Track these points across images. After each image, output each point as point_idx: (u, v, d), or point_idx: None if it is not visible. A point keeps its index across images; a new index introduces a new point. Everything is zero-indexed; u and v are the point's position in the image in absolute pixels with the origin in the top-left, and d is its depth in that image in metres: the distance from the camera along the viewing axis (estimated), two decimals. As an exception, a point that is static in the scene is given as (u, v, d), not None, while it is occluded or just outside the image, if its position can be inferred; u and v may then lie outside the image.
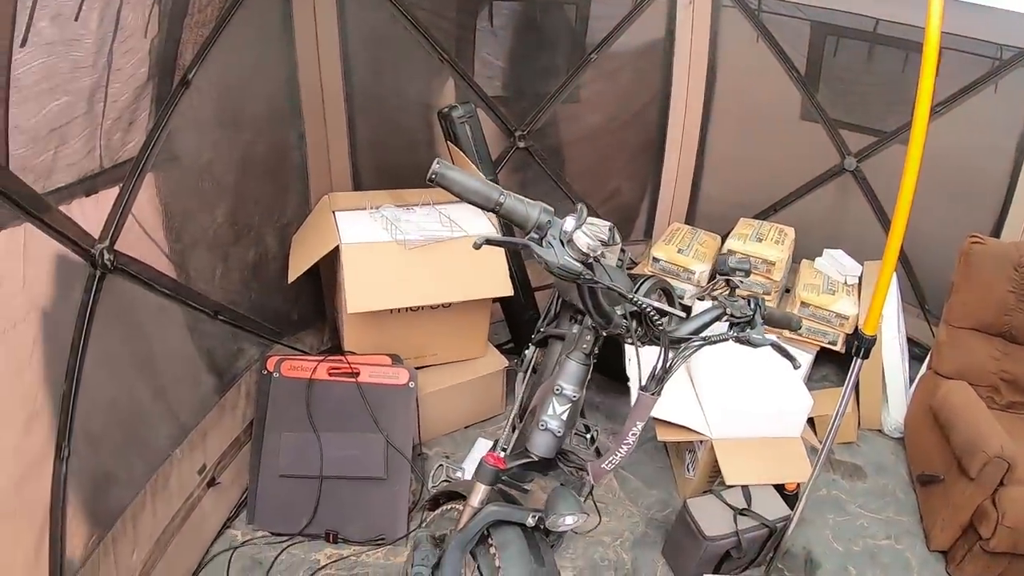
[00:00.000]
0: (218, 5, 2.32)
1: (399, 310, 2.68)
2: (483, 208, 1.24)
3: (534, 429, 1.55)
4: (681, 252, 3.52)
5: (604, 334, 1.53)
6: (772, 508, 2.41)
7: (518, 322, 3.28)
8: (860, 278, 3.46)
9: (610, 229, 2.85)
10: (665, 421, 2.56)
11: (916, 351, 3.53)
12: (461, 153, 2.90)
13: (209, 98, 2.33)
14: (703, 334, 1.53)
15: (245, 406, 2.68)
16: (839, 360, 3.40)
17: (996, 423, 2.44)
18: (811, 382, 3.41)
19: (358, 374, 2.64)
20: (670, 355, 1.45)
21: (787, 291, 3.56)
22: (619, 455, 1.48)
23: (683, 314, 1.49)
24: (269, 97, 2.76)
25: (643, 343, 1.47)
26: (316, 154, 3.05)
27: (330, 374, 2.64)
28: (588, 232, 1.25)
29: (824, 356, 3.37)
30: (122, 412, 2.01)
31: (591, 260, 1.27)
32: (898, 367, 3.15)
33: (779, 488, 2.48)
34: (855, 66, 3.55)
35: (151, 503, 2.12)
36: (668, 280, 3.31)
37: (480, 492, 1.59)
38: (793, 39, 3.58)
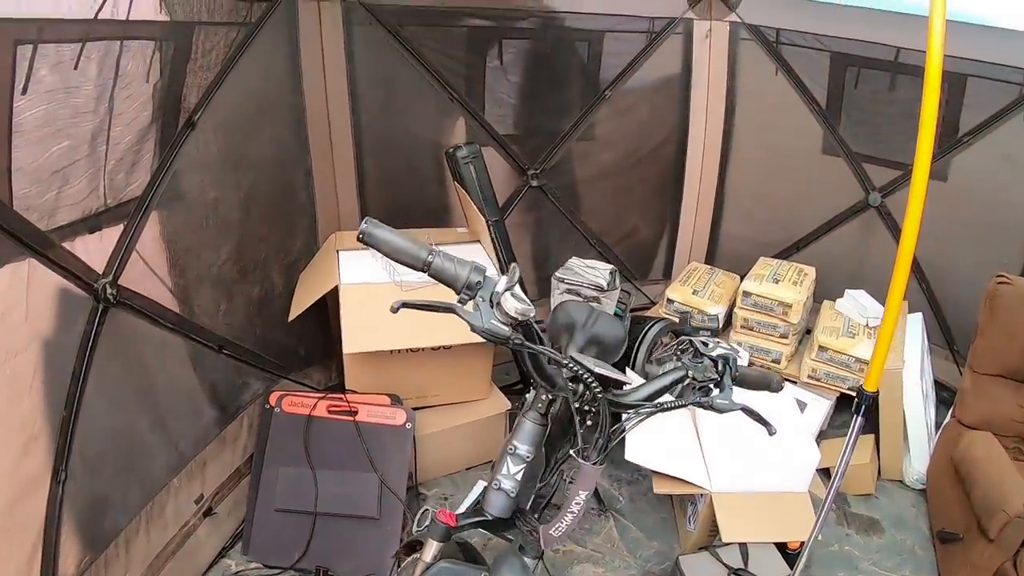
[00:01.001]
0: (223, 50, 2.41)
1: (400, 350, 2.72)
2: (412, 268, 1.27)
3: (489, 487, 1.55)
4: (696, 293, 3.49)
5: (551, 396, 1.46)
6: (771, 568, 2.34)
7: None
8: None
9: (611, 273, 2.84)
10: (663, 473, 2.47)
11: (944, 395, 3.43)
12: (466, 193, 2.94)
13: (214, 139, 2.43)
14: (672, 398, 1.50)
15: (247, 439, 2.75)
16: (862, 406, 3.17)
17: (1021, 479, 2.32)
18: (832, 428, 3.33)
19: (356, 413, 2.67)
20: (629, 420, 1.44)
21: (808, 332, 3.49)
22: (565, 523, 1.44)
23: (625, 378, 1.42)
24: (276, 137, 2.83)
25: (589, 408, 1.41)
26: (324, 193, 3.10)
27: (329, 411, 2.68)
28: (517, 295, 1.24)
29: (845, 402, 3.26)
30: (120, 440, 2.11)
31: (525, 322, 1.27)
32: (920, 415, 3.02)
33: (782, 546, 2.40)
34: (877, 97, 3.49)
35: (145, 529, 2.19)
36: (689, 317, 3.26)
37: (432, 548, 1.59)
38: (813, 71, 3.55)
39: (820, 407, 3.20)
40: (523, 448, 1.53)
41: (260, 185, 2.73)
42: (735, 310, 3.39)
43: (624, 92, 3.58)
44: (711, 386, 1.46)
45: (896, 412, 3.03)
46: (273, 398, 2.69)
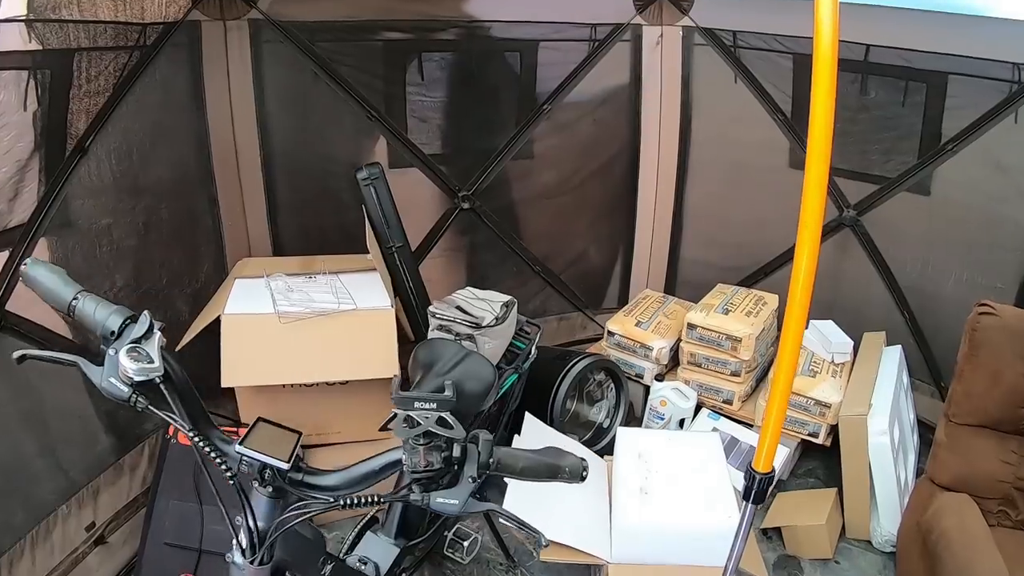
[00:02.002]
0: (112, 74, 2.59)
1: (294, 384, 2.85)
2: (60, 311, 1.26)
3: None
4: (640, 325, 3.61)
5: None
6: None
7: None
8: (856, 353, 3.32)
9: (505, 306, 2.59)
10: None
11: (929, 437, 3.19)
12: (367, 219, 3.08)
13: (108, 164, 2.62)
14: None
15: (147, 468, 2.89)
16: (828, 452, 3.20)
17: (998, 557, 2.07)
18: (794, 478, 3.30)
19: None
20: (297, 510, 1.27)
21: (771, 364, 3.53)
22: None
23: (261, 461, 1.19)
24: (176, 161, 3.01)
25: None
26: (231, 218, 3.25)
27: None
28: (138, 355, 1.18)
29: (811, 448, 3.26)
30: (3, 463, 2.28)
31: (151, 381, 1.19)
32: (888, 468, 2.84)
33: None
34: (848, 102, 3.38)
35: (30, 553, 2.34)
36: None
37: None
38: (775, 77, 3.54)
39: (782, 453, 3.15)
40: None
41: (159, 211, 2.92)
42: (681, 344, 3.48)
43: (565, 106, 3.67)
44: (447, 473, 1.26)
45: (860, 464, 2.87)
46: (172, 428, 2.82)
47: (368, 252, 2.94)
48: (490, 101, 3.58)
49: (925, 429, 3.36)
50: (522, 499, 2.18)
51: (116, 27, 2.54)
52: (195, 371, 2.66)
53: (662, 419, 3.35)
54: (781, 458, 3.12)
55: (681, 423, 3.37)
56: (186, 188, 3.06)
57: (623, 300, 4.13)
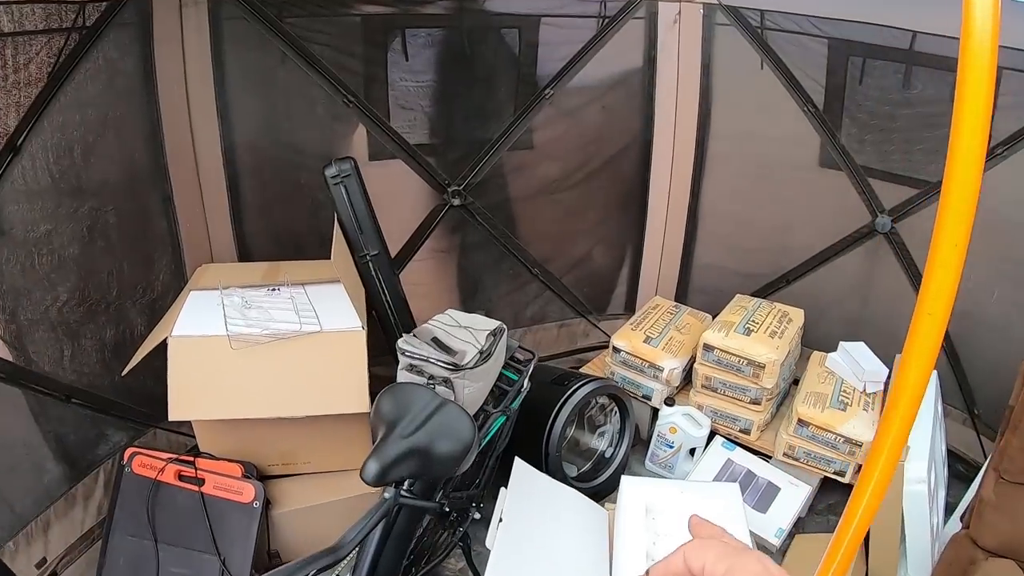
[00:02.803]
0: (46, 61, 2.36)
1: None
2: None
3: None
4: (649, 342, 3.34)
5: None
6: None
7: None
8: (888, 382, 3.05)
9: (493, 334, 2.30)
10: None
11: (959, 469, 3.18)
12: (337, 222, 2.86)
13: (45, 164, 2.41)
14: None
15: (102, 497, 2.74)
16: (851, 486, 2.76)
17: None
18: (813, 515, 3.08)
19: (203, 483, 2.61)
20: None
21: (795, 383, 3.26)
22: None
23: None
24: (124, 158, 2.78)
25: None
26: (189, 220, 3.03)
27: (179, 478, 2.62)
28: None
29: (832, 482, 3.02)
30: None
31: None
32: (923, 518, 2.59)
33: None
34: (888, 96, 3.15)
35: None
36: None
37: None
38: (807, 63, 3.25)
39: (797, 494, 2.96)
40: None
41: (105, 214, 2.69)
42: (695, 366, 3.23)
43: (570, 91, 3.38)
44: None
45: (892, 512, 2.60)
46: (127, 454, 2.66)
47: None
48: (484, 84, 3.33)
49: (954, 459, 3.20)
50: (512, 556, 2.07)
51: (47, 7, 2.31)
52: (152, 391, 2.62)
53: (671, 447, 3.13)
54: (801, 499, 2.90)
55: (692, 452, 3.15)
56: (136, 187, 2.84)
57: (630, 306, 3.92)
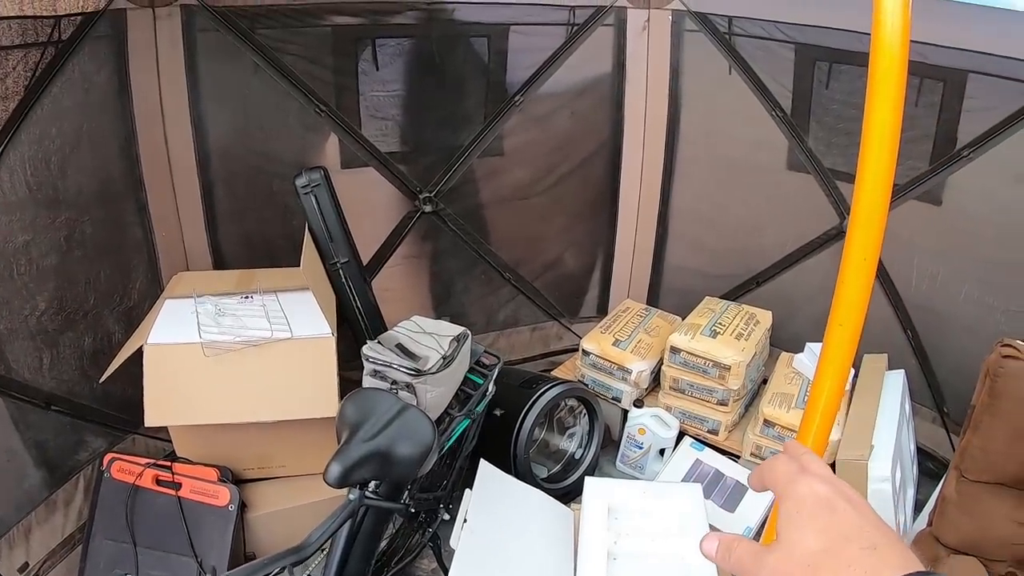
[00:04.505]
0: (23, 74, 2.49)
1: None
2: None
3: None
4: (618, 344, 3.51)
5: None
6: None
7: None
8: (854, 382, 3.16)
9: (457, 339, 2.48)
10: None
11: (930, 467, 3.34)
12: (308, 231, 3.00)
13: (23, 176, 2.53)
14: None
15: (82, 502, 2.87)
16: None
17: None
18: None
19: (180, 487, 2.75)
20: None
21: (764, 382, 3.44)
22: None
23: None
24: (100, 169, 2.91)
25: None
26: (165, 228, 3.17)
27: (156, 482, 2.76)
28: None
29: None
30: None
31: None
32: (888, 517, 2.72)
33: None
34: (854, 100, 3.23)
35: None
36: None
37: None
38: (775, 68, 3.40)
39: (764, 494, 2.76)
40: None
41: (82, 224, 2.82)
42: (663, 368, 3.39)
43: (539, 97, 3.54)
44: None
45: None
46: (106, 460, 2.80)
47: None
48: (454, 92, 3.46)
49: (924, 457, 3.34)
50: (476, 556, 2.17)
51: (23, 22, 2.41)
52: (130, 397, 2.63)
53: (640, 448, 3.30)
54: (769, 498, 3.01)
55: (662, 452, 3.31)
56: (113, 198, 2.96)
57: (603, 309, 4.06)
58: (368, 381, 2.44)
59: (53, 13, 2.51)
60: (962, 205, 3.11)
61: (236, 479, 2.82)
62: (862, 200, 1.09)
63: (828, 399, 1.24)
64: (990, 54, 2.80)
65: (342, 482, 1.85)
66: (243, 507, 2.75)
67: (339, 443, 1.98)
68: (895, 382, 3.12)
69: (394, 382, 2.36)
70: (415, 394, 2.34)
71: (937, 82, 3.05)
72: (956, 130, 3.01)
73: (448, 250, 3.66)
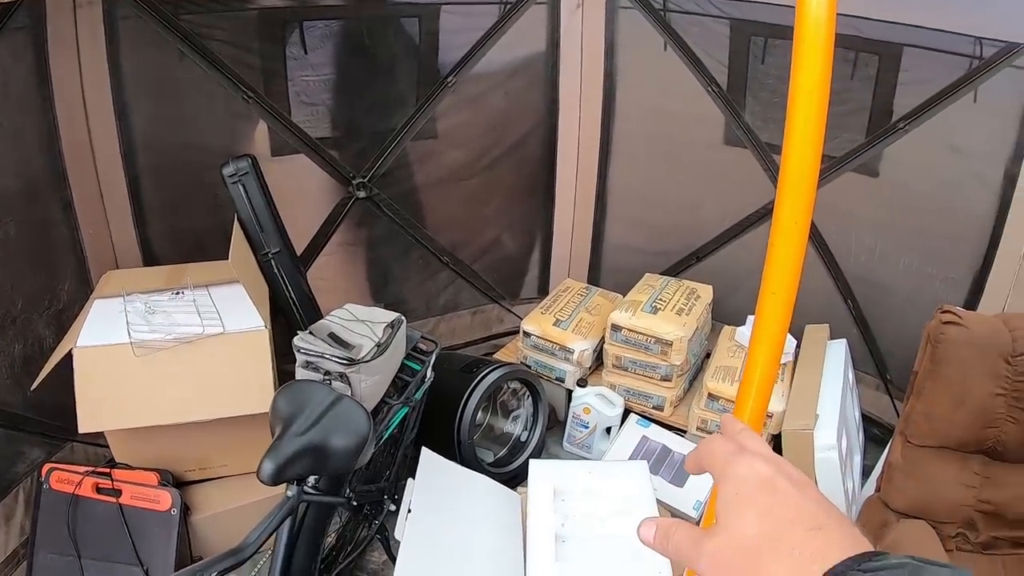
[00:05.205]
0: None
1: None
2: None
3: None
4: (559, 324, 3.54)
5: None
6: None
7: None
8: (797, 353, 3.28)
9: (391, 325, 2.49)
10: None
11: (875, 432, 3.47)
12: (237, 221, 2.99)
13: None
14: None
15: (24, 517, 2.82)
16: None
17: None
18: None
19: (120, 494, 2.73)
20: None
21: (708, 356, 3.52)
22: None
23: None
24: (21, 166, 2.86)
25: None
26: (92, 226, 3.11)
27: (96, 491, 2.73)
28: None
29: None
30: None
31: None
32: (836, 485, 2.82)
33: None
34: (789, 75, 2.99)
35: None
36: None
37: None
38: (710, 44, 3.47)
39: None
40: None
41: (6, 226, 2.75)
42: (605, 346, 3.44)
43: (473, 78, 3.56)
44: None
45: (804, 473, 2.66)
46: (45, 470, 2.76)
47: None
48: (385, 75, 3.46)
49: (870, 424, 3.46)
50: (423, 546, 2.19)
51: None
52: (65, 404, 2.73)
53: (586, 427, 3.36)
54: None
55: (608, 431, 3.38)
56: (35, 197, 2.92)
57: (543, 290, 4.12)
58: (301, 373, 2.40)
59: (-36, 5, 2.51)
60: (899, 176, 3.20)
61: (177, 482, 2.81)
62: (790, 166, 1.08)
63: (764, 370, 1.21)
64: (924, 28, 2.88)
65: (276, 479, 1.85)
66: (187, 510, 2.73)
67: (272, 438, 1.98)
68: (837, 352, 3.22)
69: (327, 372, 2.34)
70: (349, 384, 2.32)
71: (872, 56, 3.15)
72: (892, 103, 3.10)
73: (384, 236, 3.68)
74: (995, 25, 2.74)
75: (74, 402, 2.60)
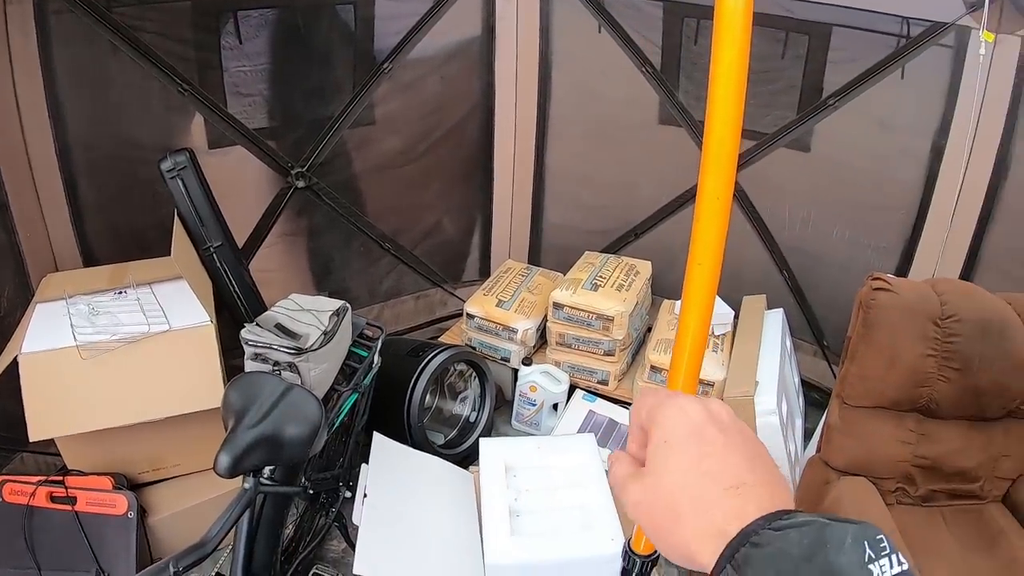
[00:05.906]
0: None
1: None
2: None
3: None
4: (502, 305, 3.66)
5: None
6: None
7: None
8: (735, 324, 3.44)
9: (336, 313, 2.57)
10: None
11: (815, 396, 3.63)
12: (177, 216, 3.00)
13: None
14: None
15: None
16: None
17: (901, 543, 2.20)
18: None
19: (76, 501, 2.73)
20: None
21: (649, 330, 3.64)
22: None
23: None
24: None
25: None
26: (29, 228, 3.08)
27: (51, 500, 2.73)
28: None
29: None
30: None
31: None
32: (779, 448, 2.96)
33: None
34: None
35: None
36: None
37: None
38: (643, 26, 3.57)
39: None
40: None
41: None
42: (548, 324, 3.57)
43: (408, 64, 3.62)
44: None
45: None
46: None
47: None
48: (321, 63, 3.49)
49: (809, 388, 3.62)
50: (381, 529, 2.27)
51: None
52: (13, 414, 2.61)
53: (533, 405, 3.47)
54: None
55: (555, 407, 3.49)
56: None
57: (485, 272, 4.20)
58: (250, 365, 2.46)
59: None
60: (830, 151, 3.35)
61: (132, 484, 2.82)
62: (712, 134, 1.14)
63: (694, 340, 1.25)
64: (853, 8, 3.01)
65: (233, 471, 1.89)
66: (143, 513, 2.75)
67: (226, 432, 2.01)
68: (775, 320, 3.37)
69: (276, 363, 2.40)
70: (299, 373, 2.39)
71: (803, 36, 3.28)
72: (822, 81, 3.24)
73: (325, 225, 3.72)
74: (921, 5, 2.87)
75: (21, 411, 2.58)
